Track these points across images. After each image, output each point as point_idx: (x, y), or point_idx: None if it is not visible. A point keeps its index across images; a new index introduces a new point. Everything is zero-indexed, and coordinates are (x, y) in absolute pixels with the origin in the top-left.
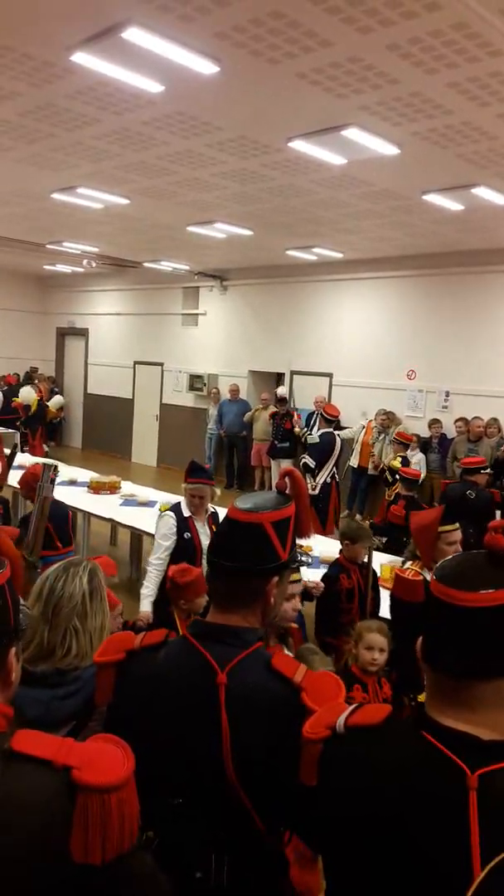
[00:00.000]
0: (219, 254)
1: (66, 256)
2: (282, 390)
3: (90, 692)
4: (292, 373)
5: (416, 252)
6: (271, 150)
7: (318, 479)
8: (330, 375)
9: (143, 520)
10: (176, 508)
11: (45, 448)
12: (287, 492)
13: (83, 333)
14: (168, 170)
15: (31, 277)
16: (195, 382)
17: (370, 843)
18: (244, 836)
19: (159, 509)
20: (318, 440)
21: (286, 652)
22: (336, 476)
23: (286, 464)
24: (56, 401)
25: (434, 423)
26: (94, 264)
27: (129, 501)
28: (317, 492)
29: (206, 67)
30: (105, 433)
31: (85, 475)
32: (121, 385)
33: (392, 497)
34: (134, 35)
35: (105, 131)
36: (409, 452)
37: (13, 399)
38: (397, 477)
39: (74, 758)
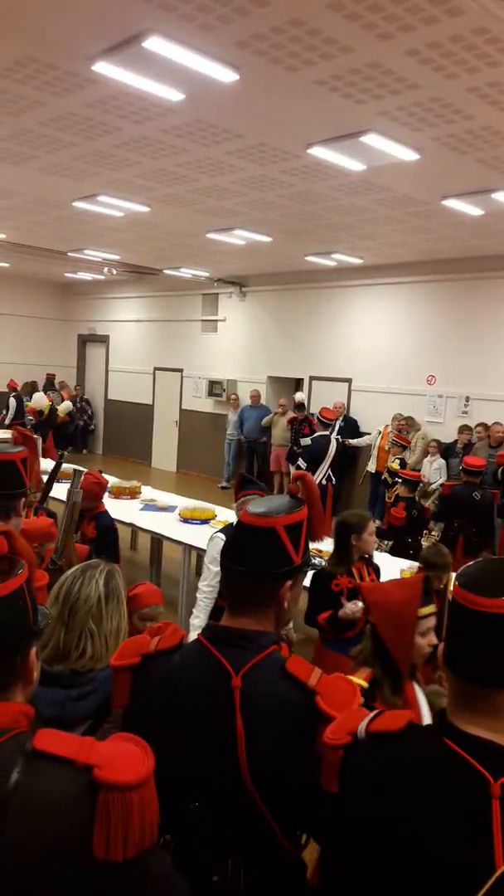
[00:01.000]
0: (238, 260)
1: (87, 264)
2: (300, 396)
3: (105, 693)
4: (311, 378)
5: (435, 257)
6: (290, 157)
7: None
8: (349, 381)
9: (163, 524)
10: (227, 530)
11: (60, 453)
12: (299, 495)
13: (104, 340)
14: (187, 177)
15: (53, 285)
16: (214, 388)
17: (390, 850)
18: (261, 840)
19: (211, 524)
20: (310, 443)
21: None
22: (332, 478)
23: (299, 470)
24: (64, 406)
25: (465, 429)
26: (114, 272)
27: (149, 506)
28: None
29: (225, 75)
30: (125, 439)
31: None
32: (141, 391)
33: (392, 499)
34: (155, 44)
35: (125, 140)
36: (429, 458)
37: (26, 403)
38: (397, 479)
39: (95, 756)
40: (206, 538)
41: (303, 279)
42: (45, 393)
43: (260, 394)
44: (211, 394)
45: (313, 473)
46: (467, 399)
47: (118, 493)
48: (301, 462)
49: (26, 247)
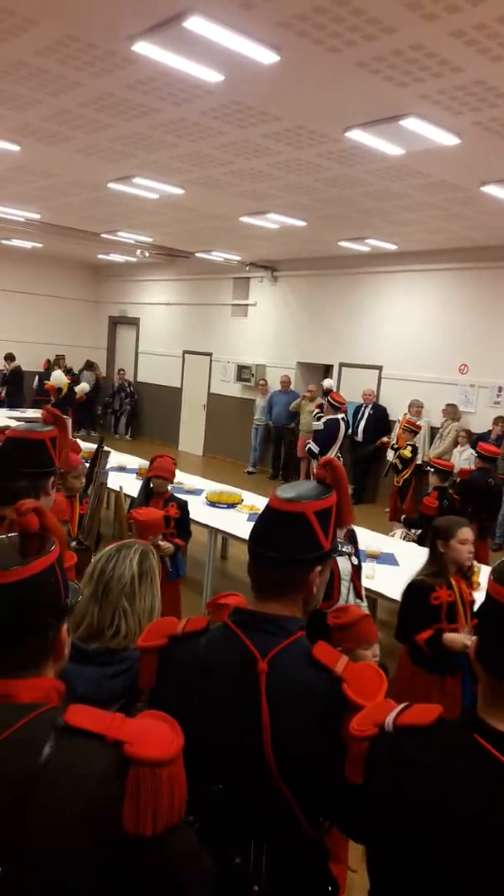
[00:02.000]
0: (270, 244)
1: (119, 246)
2: (328, 382)
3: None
4: (341, 365)
5: (471, 244)
6: (328, 140)
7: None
8: (379, 368)
9: (190, 507)
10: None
11: (100, 437)
12: (327, 481)
13: (134, 322)
14: (223, 160)
15: (85, 266)
16: (243, 373)
17: (416, 846)
18: (283, 825)
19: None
20: (322, 426)
21: None
22: (341, 460)
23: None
24: (81, 387)
25: (500, 420)
26: (147, 254)
27: (177, 489)
28: None
29: (266, 57)
30: (153, 421)
31: (133, 462)
32: (170, 374)
33: (400, 483)
34: (196, 24)
35: (162, 121)
36: (458, 448)
37: (45, 382)
38: (429, 467)
39: (126, 732)
40: (233, 522)
41: (335, 264)
42: (82, 373)
43: (290, 379)
44: (239, 378)
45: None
46: (500, 389)
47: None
48: (313, 445)
49: (60, 227)
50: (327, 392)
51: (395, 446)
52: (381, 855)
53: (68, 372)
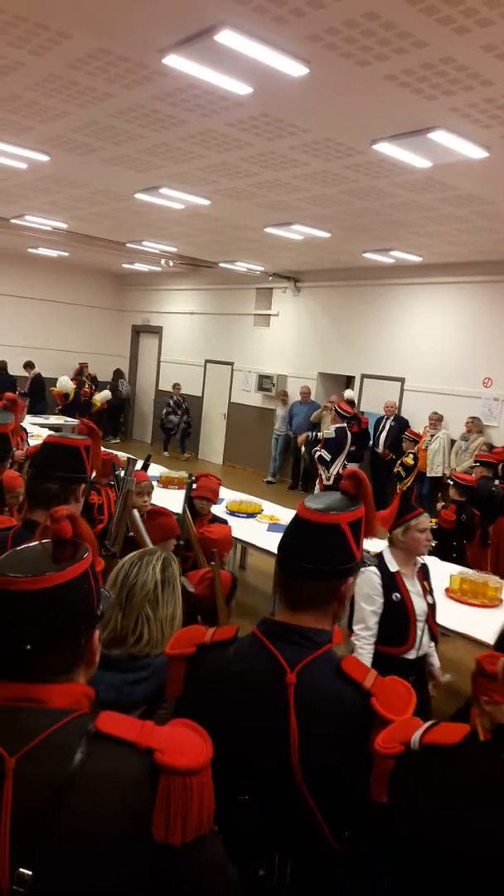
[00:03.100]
0: (294, 255)
1: (144, 255)
2: (349, 393)
3: (161, 680)
4: (363, 376)
5: (497, 258)
6: (355, 153)
7: (331, 470)
8: (402, 380)
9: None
10: (380, 564)
11: (148, 455)
12: (352, 492)
13: (157, 331)
14: (250, 171)
15: (110, 275)
16: (264, 383)
17: (446, 868)
18: (308, 837)
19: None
20: (333, 434)
21: None
22: (346, 467)
23: (352, 467)
24: (102, 395)
25: None
26: (171, 263)
27: (172, 487)
28: (331, 482)
29: (295, 69)
30: None
31: (155, 470)
32: (191, 382)
33: (405, 489)
34: (227, 37)
35: (191, 133)
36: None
37: (51, 388)
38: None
39: (156, 741)
40: (252, 532)
41: (359, 276)
42: (119, 381)
43: (310, 390)
44: (260, 388)
45: (334, 463)
46: None
47: (167, 483)
48: (324, 453)
49: (87, 237)
50: (349, 403)
51: (393, 457)
52: (408, 875)
53: (93, 380)
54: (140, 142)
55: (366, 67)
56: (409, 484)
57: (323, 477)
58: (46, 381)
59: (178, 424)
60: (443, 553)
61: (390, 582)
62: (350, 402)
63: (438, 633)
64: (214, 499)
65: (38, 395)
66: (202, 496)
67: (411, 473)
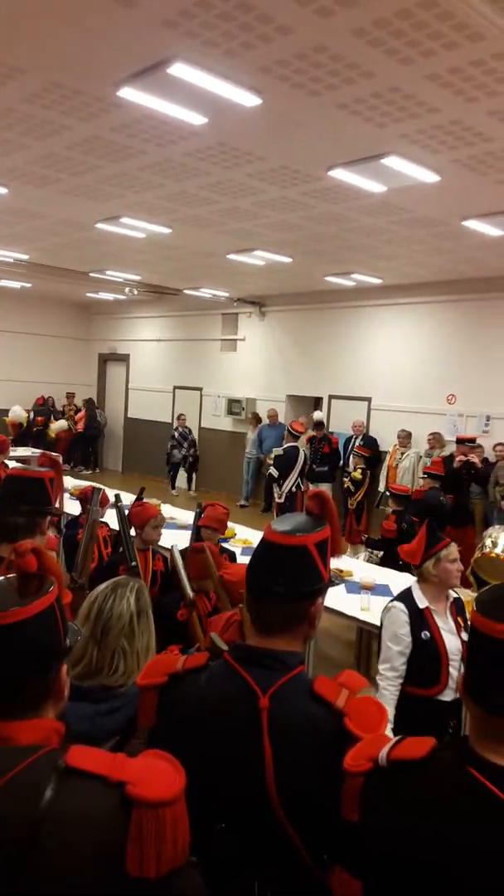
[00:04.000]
0: (258, 280)
1: (108, 284)
2: (318, 415)
3: (134, 709)
4: (330, 397)
5: (455, 277)
6: (312, 179)
7: (283, 488)
8: (369, 400)
9: (184, 543)
10: (406, 597)
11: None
12: (316, 513)
13: (124, 359)
14: (209, 199)
15: (75, 305)
16: (233, 407)
17: (414, 883)
18: (288, 863)
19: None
20: (282, 452)
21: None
22: (301, 486)
23: (324, 488)
24: (58, 424)
25: (497, 446)
26: (135, 292)
27: (169, 525)
28: (282, 500)
29: (248, 100)
30: (145, 457)
31: (126, 498)
32: (160, 409)
33: (354, 506)
34: (179, 70)
35: (149, 163)
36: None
37: (4, 418)
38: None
39: (128, 773)
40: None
41: (322, 299)
42: (98, 411)
43: (277, 413)
44: (230, 412)
45: (285, 481)
46: (488, 418)
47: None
48: (273, 471)
49: (49, 267)
50: (318, 424)
51: (347, 470)
52: (381, 894)
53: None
54: (99, 172)
55: (317, 97)
56: (358, 499)
57: (275, 495)
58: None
59: (185, 458)
60: (389, 561)
61: (419, 620)
62: (319, 424)
63: None
64: (221, 529)
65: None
66: (208, 525)
67: (360, 488)
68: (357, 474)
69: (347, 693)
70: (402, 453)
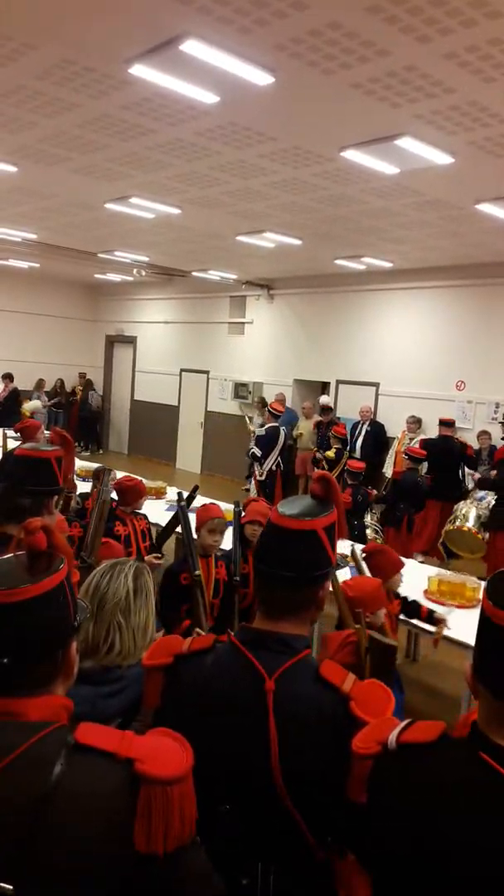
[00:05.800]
0: (267, 263)
1: (116, 265)
2: (325, 399)
3: (135, 692)
4: (338, 382)
5: (467, 262)
6: (324, 160)
7: (264, 466)
8: (377, 385)
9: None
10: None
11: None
12: (321, 496)
13: (131, 341)
14: (220, 180)
15: (82, 286)
16: (240, 390)
17: (424, 867)
18: (292, 845)
19: None
20: (264, 432)
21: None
22: (280, 465)
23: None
24: (32, 405)
25: (482, 434)
26: (143, 273)
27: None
28: (263, 478)
29: (261, 78)
30: (151, 439)
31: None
32: (167, 392)
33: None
34: (192, 47)
35: (159, 142)
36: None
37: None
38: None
39: (136, 750)
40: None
41: (331, 282)
42: (88, 395)
43: (286, 397)
44: (236, 396)
45: (266, 460)
46: (497, 405)
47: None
48: (256, 450)
49: (57, 247)
50: (325, 409)
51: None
52: (387, 877)
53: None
54: (108, 151)
55: (331, 76)
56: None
57: (256, 473)
58: (22, 394)
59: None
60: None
61: None
62: (326, 408)
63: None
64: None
65: (8, 409)
66: (253, 520)
67: (335, 468)
68: (331, 454)
69: (354, 677)
70: (411, 439)
